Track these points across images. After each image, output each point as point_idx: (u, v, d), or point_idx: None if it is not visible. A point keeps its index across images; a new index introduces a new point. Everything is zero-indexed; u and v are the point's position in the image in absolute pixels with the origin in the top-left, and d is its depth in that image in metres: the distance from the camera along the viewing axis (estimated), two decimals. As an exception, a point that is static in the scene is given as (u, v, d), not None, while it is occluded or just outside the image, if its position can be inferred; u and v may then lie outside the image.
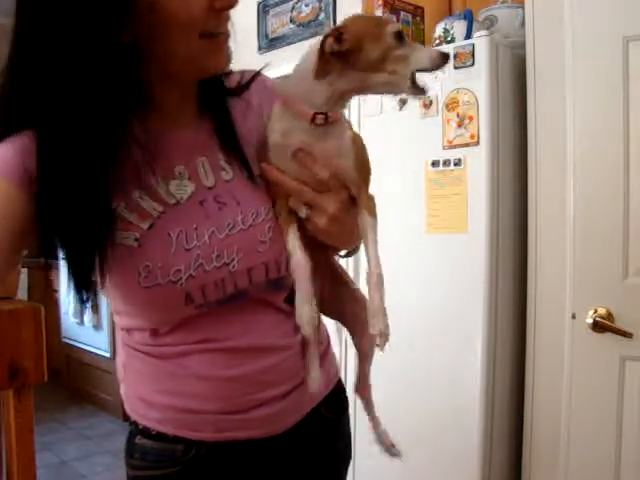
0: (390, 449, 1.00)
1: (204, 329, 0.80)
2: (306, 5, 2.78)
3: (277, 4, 2.94)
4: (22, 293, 4.39)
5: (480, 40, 1.76)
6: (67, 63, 0.67)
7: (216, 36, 0.74)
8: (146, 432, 0.84)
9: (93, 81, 0.67)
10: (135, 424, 0.86)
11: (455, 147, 1.81)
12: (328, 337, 0.99)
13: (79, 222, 0.68)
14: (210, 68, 0.78)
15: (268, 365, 0.84)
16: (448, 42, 1.90)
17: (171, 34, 0.71)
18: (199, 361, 0.81)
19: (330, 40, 0.76)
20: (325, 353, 0.95)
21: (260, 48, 2.99)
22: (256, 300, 0.83)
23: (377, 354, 0.93)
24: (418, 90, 0.79)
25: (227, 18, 0.75)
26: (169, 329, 0.81)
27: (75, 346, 4.22)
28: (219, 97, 0.86)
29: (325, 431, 0.94)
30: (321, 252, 0.89)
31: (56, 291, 4.43)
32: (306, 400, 0.89)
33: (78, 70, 0.67)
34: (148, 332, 0.82)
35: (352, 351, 1.04)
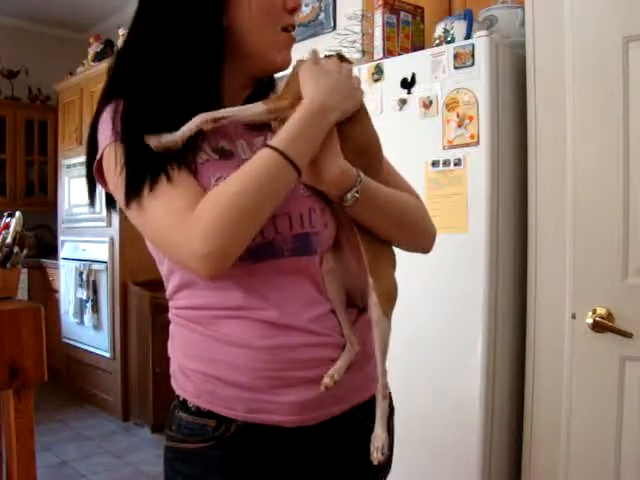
0: (377, 450, 0.89)
1: (241, 293, 0.85)
2: (306, 5, 2.77)
3: (277, 4, 2.95)
4: (22, 293, 4.40)
5: (480, 40, 1.76)
6: (178, 39, 0.86)
7: (290, 32, 0.92)
8: (184, 405, 0.90)
9: (198, 49, 0.86)
10: (177, 397, 0.92)
11: (455, 147, 1.81)
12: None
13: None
14: (279, 61, 0.92)
15: (301, 343, 0.85)
16: (448, 42, 1.89)
17: (262, 23, 0.89)
18: (234, 327, 0.85)
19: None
20: (369, 358, 0.93)
21: (260, 48, 2.99)
22: (289, 266, 0.86)
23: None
24: None
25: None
26: (209, 283, 0.85)
27: (75, 346, 4.21)
28: (261, 95, 0.97)
29: (360, 436, 0.91)
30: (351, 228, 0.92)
31: (56, 291, 4.43)
32: (339, 397, 0.88)
33: (188, 42, 0.86)
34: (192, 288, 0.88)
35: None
